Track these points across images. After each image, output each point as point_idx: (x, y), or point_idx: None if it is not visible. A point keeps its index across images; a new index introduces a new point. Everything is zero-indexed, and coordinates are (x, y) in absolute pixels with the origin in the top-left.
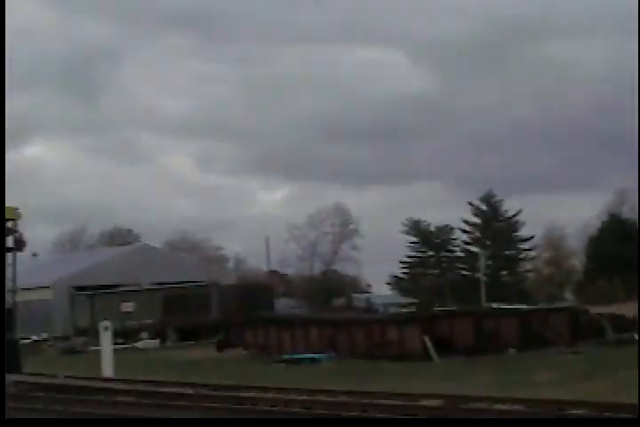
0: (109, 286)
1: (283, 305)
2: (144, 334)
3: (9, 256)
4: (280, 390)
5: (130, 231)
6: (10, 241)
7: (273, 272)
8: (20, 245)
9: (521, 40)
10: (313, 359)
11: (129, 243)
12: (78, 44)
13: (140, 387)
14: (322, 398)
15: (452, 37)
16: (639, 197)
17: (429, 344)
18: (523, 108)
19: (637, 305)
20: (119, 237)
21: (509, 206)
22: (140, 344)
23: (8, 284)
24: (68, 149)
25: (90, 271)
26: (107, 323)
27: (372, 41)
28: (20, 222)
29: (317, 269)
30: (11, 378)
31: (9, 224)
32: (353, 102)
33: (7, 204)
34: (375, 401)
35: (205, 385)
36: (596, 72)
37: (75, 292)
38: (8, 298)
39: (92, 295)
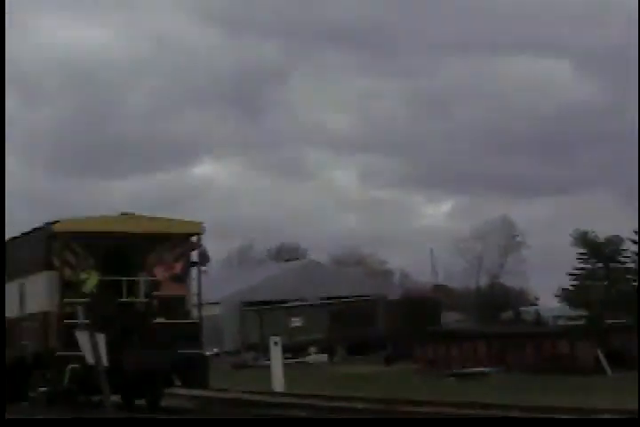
0: (278, 301)
1: (449, 319)
2: (312, 349)
3: (193, 271)
4: (453, 405)
5: (297, 247)
6: (195, 256)
7: (438, 286)
8: (204, 259)
9: None
10: (482, 373)
11: (296, 258)
12: (247, 62)
13: (311, 401)
14: (495, 412)
15: (622, 48)
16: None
17: (602, 358)
18: None
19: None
20: (286, 253)
21: None
22: (308, 359)
23: (193, 298)
24: (237, 165)
25: (258, 287)
26: (276, 338)
27: (534, 50)
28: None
29: (483, 282)
30: (191, 393)
31: (194, 239)
32: (518, 113)
33: (186, 219)
34: (552, 415)
35: (378, 400)
36: None
37: (244, 307)
38: (194, 312)
39: (261, 311)
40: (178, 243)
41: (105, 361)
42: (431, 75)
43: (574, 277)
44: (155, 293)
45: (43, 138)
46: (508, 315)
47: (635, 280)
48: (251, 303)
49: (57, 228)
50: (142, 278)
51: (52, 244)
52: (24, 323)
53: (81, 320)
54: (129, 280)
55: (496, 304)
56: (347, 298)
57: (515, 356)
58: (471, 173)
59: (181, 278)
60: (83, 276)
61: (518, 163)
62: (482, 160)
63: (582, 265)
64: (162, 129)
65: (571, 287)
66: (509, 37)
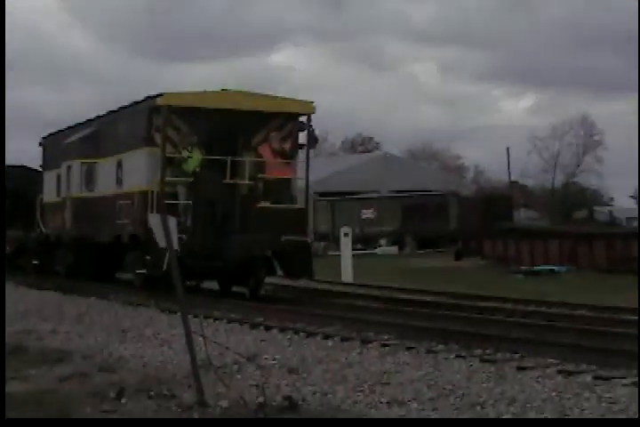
0: (350, 192)
1: (522, 217)
2: (383, 241)
3: (301, 153)
4: (519, 301)
5: (371, 139)
6: (303, 137)
7: (513, 183)
8: (313, 141)
9: None
10: (552, 271)
11: (370, 151)
12: None
13: (378, 292)
14: (562, 310)
15: None
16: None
17: None
18: None
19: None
20: (360, 145)
21: None
22: (378, 251)
23: (299, 182)
24: (317, 54)
25: (331, 178)
26: (347, 229)
27: None
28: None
29: (559, 181)
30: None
31: (303, 119)
32: (606, 7)
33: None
34: (615, 316)
35: (444, 293)
36: None
37: (317, 197)
38: (299, 197)
39: (334, 201)
40: (286, 122)
41: (176, 245)
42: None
43: None
44: (260, 175)
45: (127, 22)
46: (581, 214)
47: None
48: (323, 194)
49: (160, 101)
50: (247, 159)
51: (154, 118)
52: (121, 201)
53: (182, 201)
54: (233, 160)
55: (570, 203)
56: (420, 192)
57: (586, 255)
58: (553, 68)
59: (289, 160)
60: (185, 154)
61: (602, 59)
62: (565, 55)
63: None
64: (245, 15)
65: None
66: None
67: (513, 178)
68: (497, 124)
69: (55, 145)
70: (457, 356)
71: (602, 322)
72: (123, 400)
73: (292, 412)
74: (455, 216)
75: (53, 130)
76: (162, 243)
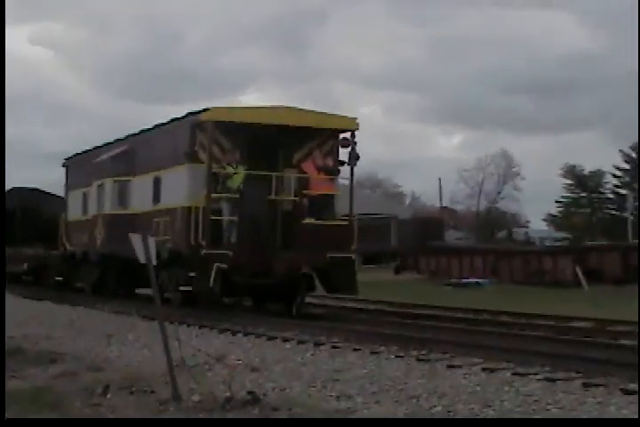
0: None
1: (452, 237)
2: None
3: (344, 170)
4: (449, 309)
5: None
6: (346, 155)
7: (444, 208)
8: (355, 158)
9: None
10: (477, 283)
11: None
12: (292, 5)
13: (329, 302)
14: (485, 317)
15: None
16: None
17: (580, 273)
18: None
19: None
20: None
21: None
22: None
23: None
24: (278, 95)
25: None
26: None
27: (540, 5)
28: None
29: (483, 205)
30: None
31: (347, 135)
32: (526, 59)
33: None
34: (532, 321)
35: (385, 302)
36: None
37: None
38: (338, 214)
39: None
40: (330, 138)
41: (154, 261)
42: (450, 23)
43: (560, 204)
44: (304, 191)
45: (114, 68)
46: (502, 235)
47: (613, 209)
48: None
49: (205, 116)
50: (293, 175)
51: (198, 134)
52: (158, 218)
53: (226, 217)
54: (278, 176)
55: (492, 225)
56: (364, 215)
57: (506, 270)
58: (480, 111)
59: (332, 177)
60: (229, 169)
61: (523, 103)
62: (491, 100)
63: (568, 194)
64: (215, 63)
65: (557, 213)
66: None
67: (444, 203)
68: (431, 157)
69: (81, 165)
70: (396, 356)
71: (520, 326)
72: (108, 396)
73: (254, 404)
74: (395, 236)
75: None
76: (142, 259)
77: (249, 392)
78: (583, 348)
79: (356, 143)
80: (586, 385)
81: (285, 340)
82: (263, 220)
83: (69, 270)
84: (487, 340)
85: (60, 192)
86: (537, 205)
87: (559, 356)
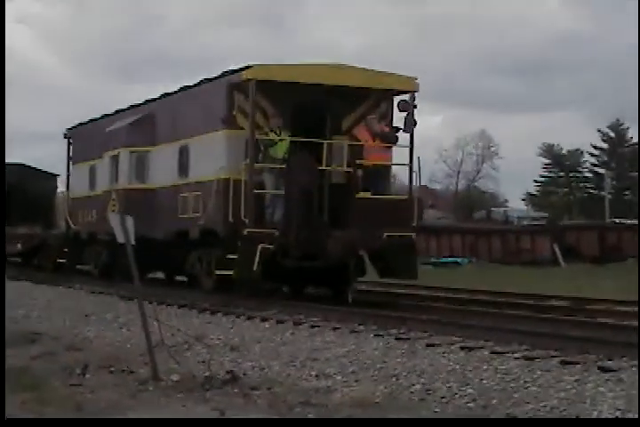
0: None
1: (431, 216)
2: None
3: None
4: (428, 288)
5: None
6: (402, 120)
7: (423, 187)
8: (411, 124)
9: None
10: (456, 262)
11: None
12: None
13: None
14: (463, 296)
15: None
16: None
17: (558, 252)
18: None
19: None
20: None
21: (635, 133)
22: None
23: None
24: None
25: None
26: None
27: None
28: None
29: (462, 185)
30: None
31: (405, 97)
32: (510, 39)
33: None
34: (510, 300)
35: (365, 282)
36: None
37: None
38: (394, 187)
39: None
40: (385, 101)
41: (132, 240)
42: (434, 3)
43: (539, 183)
44: (358, 161)
45: (95, 48)
46: (480, 214)
47: (590, 188)
48: None
49: (247, 75)
50: (345, 142)
51: (236, 96)
52: (186, 192)
53: (270, 190)
54: (328, 144)
55: (471, 205)
56: None
57: (484, 249)
58: (464, 91)
59: (389, 144)
60: (273, 136)
61: (505, 84)
62: (474, 80)
63: (546, 174)
64: (195, 44)
65: (535, 192)
66: None
67: (422, 182)
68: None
69: (88, 135)
70: (375, 335)
71: (497, 305)
72: (87, 376)
73: (234, 384)
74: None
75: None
76: (120, 239)
77: (228, 372)
78: (561, 326)
79: (415, 106)
80: (563, 363)
81: (264, 319)
82: (314, 194)
83: (73, 252)
84: (466, 319)
85: (48, 169)
86: (515, 185)
87: (537, 334)
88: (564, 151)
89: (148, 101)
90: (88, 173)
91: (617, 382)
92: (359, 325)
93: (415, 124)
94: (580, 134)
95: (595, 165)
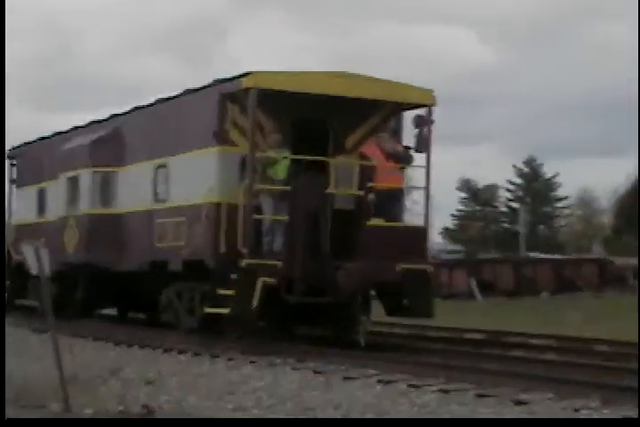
0: None
1: None
2: None
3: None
4: None
5: None
6: (420, 137)
7: None
8: (425, 143)
9: (576, 20)
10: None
11: None
12: (193, 15)
13: None
14: (383, 329)
15: (514, 17)
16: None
17: (474, 286)
18: (572, 81)
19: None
20: None
21: (548, 170)
22: None
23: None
24: None
25: None
26: None
27: (440, 21)
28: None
29: None
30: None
31: (422, 112)
32: (428, 73)
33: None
34: (426, 333)
35: None
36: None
37: None
38: (404, 214)
39: None
40: (397, 115)
41: (47, 272)
42: (353, 36)
43: (456, 217)
44: (369, 183)
45: (8, 74)
46: None
47: (505, 222)
48: None
49: (247, 83)
50: (357, 161)
51: (230, 107)
52: (163, 218)
53: (269, 215)
54: (337, 163)
55: None
56: None
57: None
58: None
59: (403, 165)
60: (271, 155)
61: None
62: None
63: (463, 208)
64: (114, 71)
65: (452, 226)
66: (423, 9)
67: None
68: None
69: (37, 155)
70: (293, 368)
71: (414, 339)
72: None
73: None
74: None
75: None
76: (34, 270)
77: (143, 406)
78: (476, 359)
79: (433, 122)
80: (479, 396)
81: (181, 352)
82: (321, 220)
83: (14, 285)
84: (382, 352)
85: None
86: (433, 219)
87: (453, 367)
88: (479, 186)
89: (113, 116)
90: (36, 197)
91: (531, 415)
92: (277, 358)
93: (429, 143)
94: (497, 169)
95: (510, 200)
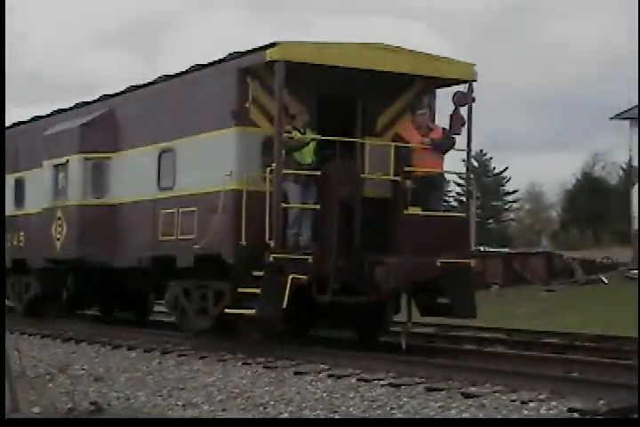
0: None
1: None
2: None
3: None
4: None
5: None
6: (456, 117)
7: None
8: (460, 122)
9: (527, 16)
10: None
11: None
12: (149, 12)
13: None
14: None
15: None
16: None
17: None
18: (523, 76)
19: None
20: None
21: (497, 164)
22: None
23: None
24: None
25: None
26: None
27: (393, 14)
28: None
29: None
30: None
31: (463, 87)
32: None
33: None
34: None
35: None
36: (589, 49)
37: None
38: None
39: None
40: (430, 92)
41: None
42: (304, 31)
43: None
44: (407, 168)
45: None
46: None
47: None
48: None
49: (272, 55)
50: (393, 144)
51: (251, 84)
52: (171, 208)
53: (295, 204)
54: (371, 146)
55: None
56: None
57: None
58: None
59: (441, 148)
60: (298, 136)
61: None
62: None
63: None
64: (65, 67)
65: None
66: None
67: None
68: None
69: (14, 142)
70: (243, 363)
71: None
72: None
73: (98, 415)
74: None
75: None
76: None
77: (92, 403)
78: (427, 353)
79: (474, 100)
80: (428, 390)
81: (131, 348)
82: (355, 209)
83: None
84: (333, 346)
85: None
86: None
87: (403, 362)
88: None
89: (105, 96)
90: (13, 188)
91: (479, 408)
92: (227, 353)
93: (464, 123)
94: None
95: (460, 195)
